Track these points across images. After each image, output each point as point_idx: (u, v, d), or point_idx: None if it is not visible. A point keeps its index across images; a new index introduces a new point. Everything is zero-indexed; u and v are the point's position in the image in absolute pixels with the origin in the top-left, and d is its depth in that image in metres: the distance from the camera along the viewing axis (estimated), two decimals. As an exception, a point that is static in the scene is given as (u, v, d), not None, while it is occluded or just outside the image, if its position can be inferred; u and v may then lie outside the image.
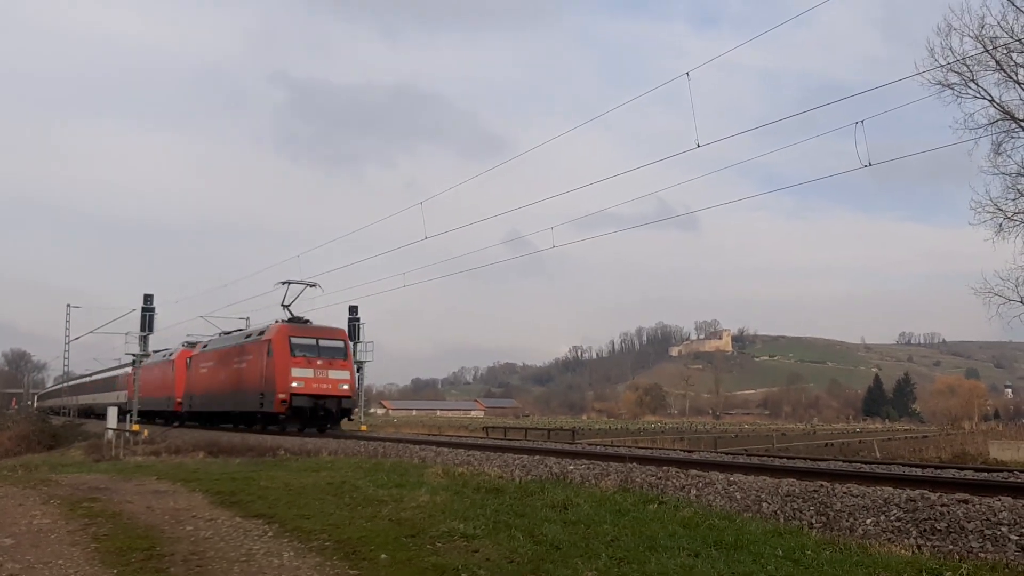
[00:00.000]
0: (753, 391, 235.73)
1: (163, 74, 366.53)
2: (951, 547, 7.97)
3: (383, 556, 7.85)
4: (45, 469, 19.33)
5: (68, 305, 73.67)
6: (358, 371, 37.07)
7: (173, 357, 46.36)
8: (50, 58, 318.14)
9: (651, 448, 24.41)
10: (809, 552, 7.44)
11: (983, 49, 26.91)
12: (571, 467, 14.94)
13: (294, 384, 30.32)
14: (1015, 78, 27.12)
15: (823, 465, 17.57)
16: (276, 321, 34.01)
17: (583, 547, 7.95)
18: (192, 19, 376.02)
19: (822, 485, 11.42)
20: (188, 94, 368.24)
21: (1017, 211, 26.80)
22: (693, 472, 13.52)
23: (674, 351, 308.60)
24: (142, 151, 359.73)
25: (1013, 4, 26.47)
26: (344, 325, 37.59)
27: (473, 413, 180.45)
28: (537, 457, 17.33)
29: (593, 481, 13.13)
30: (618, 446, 25.16)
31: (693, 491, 11.84)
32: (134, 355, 41.36)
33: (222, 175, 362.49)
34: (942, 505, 9.34)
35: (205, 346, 42.19)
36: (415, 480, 13.61)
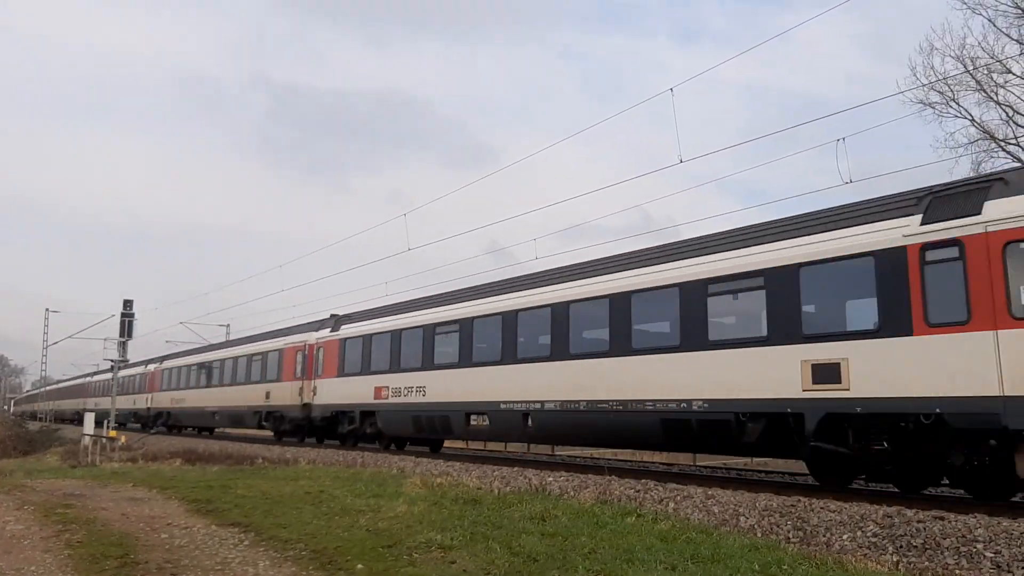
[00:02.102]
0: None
1: (144, 78, 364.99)
2: (927, 563, 8.01)
3: (360, 566, 7.82)
4: (20, 475, 19.13)
5: (47, 310, 73.17)
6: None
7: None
8: (28, 62, 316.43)
9: (630, 460, 24.43)
10: (785, 567, 7.46)
11: (964, 69, 27.30)
12: (550, 479, 14.94)
13: None
14: (995, 98, 27.51)
15: (801, 479, 17.65)
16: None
17: (560, 559, 7.93)
18: (173, 22, 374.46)
19: (799, 500, 11.48)
20: (169, 98, 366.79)
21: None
22: (672, 485, 13.56)
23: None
24: (122, 156, 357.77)
25: (994, 25, 26.86)
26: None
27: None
28: (516, 468, 17.32)
29: (572, 493, 13.12)
30: (597, 458, 25.16)
31: (671, 504, 11.86)
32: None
33: (203, 181, 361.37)
34: (918, 521, 9.41)
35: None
36: (393, 490, 13.55)
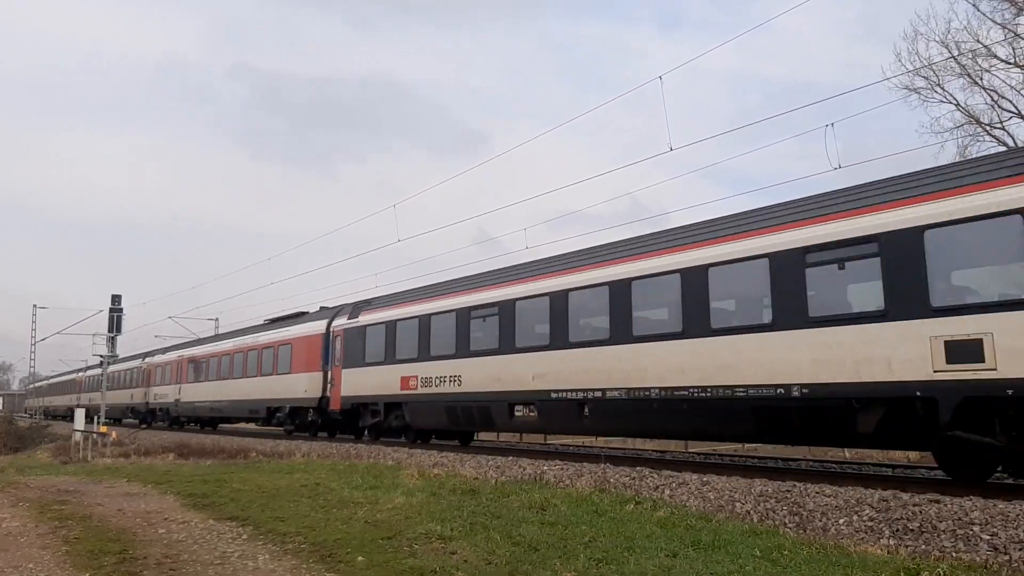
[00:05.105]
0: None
1: (122, 69, 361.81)
2: (924, 547, 8.06)
3: (360, 558, 7.82)
4: (12, 471, 19.04)
5: (34, 306, 72.78)
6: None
7: None
8: (3, 57, 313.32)
9: (624, 448, 24.51)
10: (786, 552, 7.50)
11: (949, 54, 27.38)
12: (545, 467, 14.96)
13: None
14: (980, 83, 27.61)
15: (794, 464, 17.75)
16: None
17: (561, 548, 7.96)
18: (149, 11, 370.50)
19: (795, 485, 11.52)
20: (150, 90, 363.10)
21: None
22: (667, 472, 13.58)
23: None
24: (104, 150, 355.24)
25: (978, 9, 26.94)
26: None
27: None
28: (511, 458, 17.32)
29: (568, 482, 13.15)
30: (591, 446, 25.25)
31: (667, 491, 11.90)
32: None
33: (188, 174, 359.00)
34: (914, 505, 9.46)
35: None
36: (390, 482, 13.55)
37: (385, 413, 23.44)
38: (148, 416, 46.81)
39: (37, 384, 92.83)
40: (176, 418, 42.93)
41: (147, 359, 48.06)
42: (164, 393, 43.84)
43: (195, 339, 45.37)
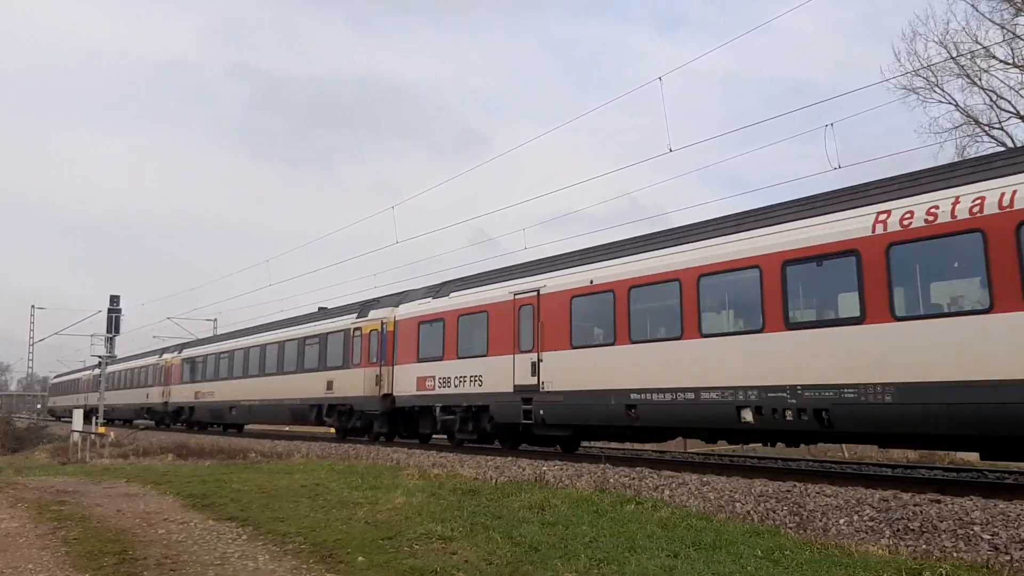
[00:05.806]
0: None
1: (123, 70, 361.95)
2: (925, 547, 8.06)
3: (360, 559, 7.80)
4: (10, 472, 18.99)
5: (32, 306, 72.49)
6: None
7: None
8: (6, 57, 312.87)
9: (624, 449, 24.48)
10: (788, 552, 7.49)
11: (948, 55, 27.39)
12: (544, 468, 14.95)
13: None
14: (979, 83, 27.63)
15: (794, 464, 17.75)
16: None
17: (562, 548, 7.95)
18: (149, 12, 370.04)
19: (795, 485, 11.53)
20: (150, 90, 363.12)
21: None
22: (666, 473, 13.59)
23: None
24: (106, 150, 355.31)
25: (976, 10, 26.96)
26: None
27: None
28: (510, 458, 17.31)
29: (568, 482, 13.14)
30: (589, 447, 25.22)
31: (667, 492, 11.90)
32: None
33: (188, 174, 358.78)
34: (915, 505, 9.46)
35: None
36: (390, 482, 13.54)
37: None
38: (386, 419, 24.14)
39: (64, 377, 77.49)
40: (540, 423, 18.03)
41: (403, 305, 24.00)
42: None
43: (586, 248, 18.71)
